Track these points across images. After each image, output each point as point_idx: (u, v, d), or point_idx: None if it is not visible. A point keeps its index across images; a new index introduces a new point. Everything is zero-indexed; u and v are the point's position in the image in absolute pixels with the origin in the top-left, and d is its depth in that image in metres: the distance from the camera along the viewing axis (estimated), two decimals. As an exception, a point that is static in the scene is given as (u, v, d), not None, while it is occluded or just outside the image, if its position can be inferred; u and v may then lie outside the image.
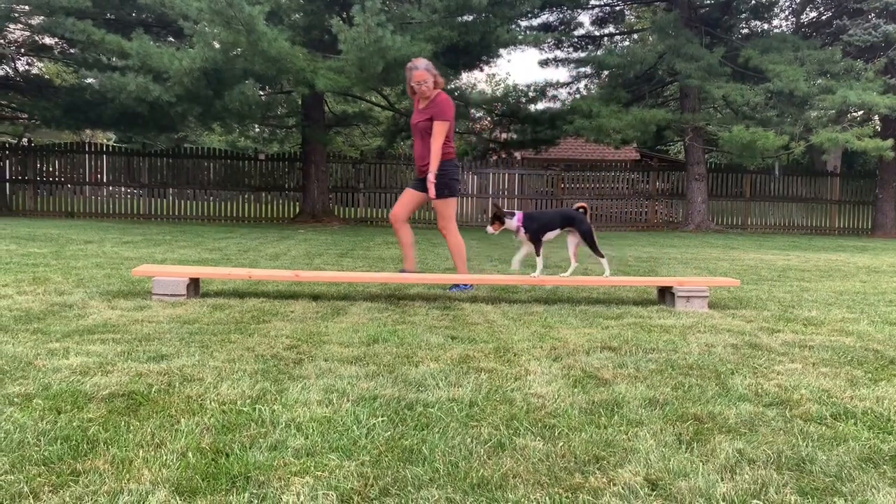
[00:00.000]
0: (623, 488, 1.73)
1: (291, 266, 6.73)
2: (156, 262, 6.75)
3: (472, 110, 18.53)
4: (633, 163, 23.47)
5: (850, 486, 1.78)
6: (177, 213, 18.03)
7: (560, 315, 4.22)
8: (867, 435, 2.15)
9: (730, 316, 4.35)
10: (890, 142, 15.21)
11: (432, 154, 5.00)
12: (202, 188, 18.70)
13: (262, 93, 17.29)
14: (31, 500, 1.60)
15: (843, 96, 14.91)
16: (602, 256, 4.85)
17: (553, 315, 4.21)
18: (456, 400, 2.39)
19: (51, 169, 18.07)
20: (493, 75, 43.27)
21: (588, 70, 21.20)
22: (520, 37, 15.29)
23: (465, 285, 5.15)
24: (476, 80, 54.94)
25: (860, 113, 19.60)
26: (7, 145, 18.60)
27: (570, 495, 1.70)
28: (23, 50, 17.31)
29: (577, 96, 20.67)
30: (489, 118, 19.82)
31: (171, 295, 4.36)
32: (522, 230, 4.76)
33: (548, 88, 18.08)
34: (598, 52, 20.46)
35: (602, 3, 21.15)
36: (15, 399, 2.28)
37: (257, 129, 27.88)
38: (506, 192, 19.33)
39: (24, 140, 19.44)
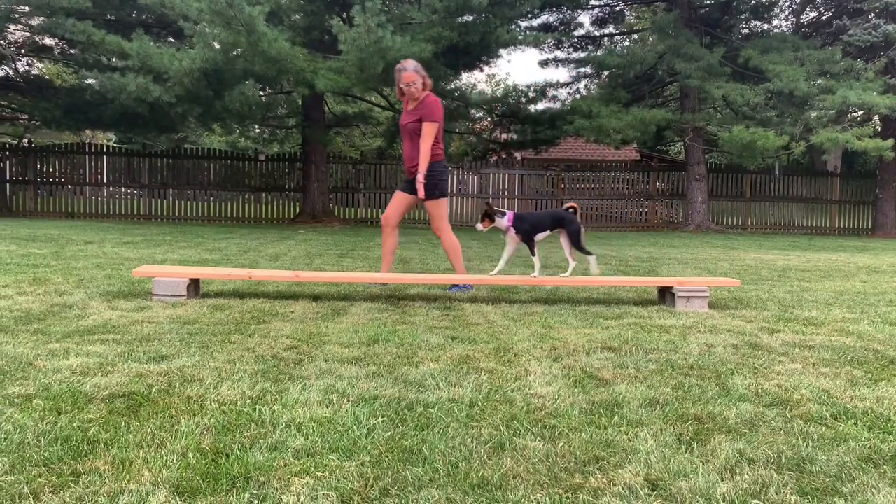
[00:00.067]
0: (623, 488, 1.73)
1: (292, 266, 6.73)
2: (156, 262, 6.75)
3: (473, 111, 18.51)
4: (634, 163, 23.48)
5: (851, 486, 1.78)
6: (177, 214, 18.03)
7: (560, 315, 4.22)
8: (867, 435, 2.15)
9: (730, 316, 4.35)
10: (890, 142, 15.20)
11: (421, 155, 5.02)
12: (202, 189, 18.70)
13: (262, 93, 17.28)
14: (32, 501, 1.60)
15: (843, 96, 14.91)
16: (590, 255, 4.97)
17: (553, 315, 4.22)
18: (456, 400, 2.39)
19: (51, 169, 18.07)
20: (493, 75, 43.38)
21: (588, 70, 21.20)
22: (520, 37, 15.28)
23: (465, 286, 5.16)
24: (476, 80, 55.00)
25: (860, 113, 19.59)
26: (7, 146, 18.60)
27: (570, 496, 1.70)
28: (23, 51, 17.31)
29: (577, 96, 20.66)
30: (489, 118, 19.82)
31: (172, 295, 4.36)
32: (512, 230, 4.82)
33: (548, 89, 18.07)
34: (598, 53, 20.45)
35: (602, 3, 21.15)
36: (15, 400, 2.28)
37: (257, 130, 27.86)
38: (506, 193, 19.30)
39: (25, 141, 19.46)
